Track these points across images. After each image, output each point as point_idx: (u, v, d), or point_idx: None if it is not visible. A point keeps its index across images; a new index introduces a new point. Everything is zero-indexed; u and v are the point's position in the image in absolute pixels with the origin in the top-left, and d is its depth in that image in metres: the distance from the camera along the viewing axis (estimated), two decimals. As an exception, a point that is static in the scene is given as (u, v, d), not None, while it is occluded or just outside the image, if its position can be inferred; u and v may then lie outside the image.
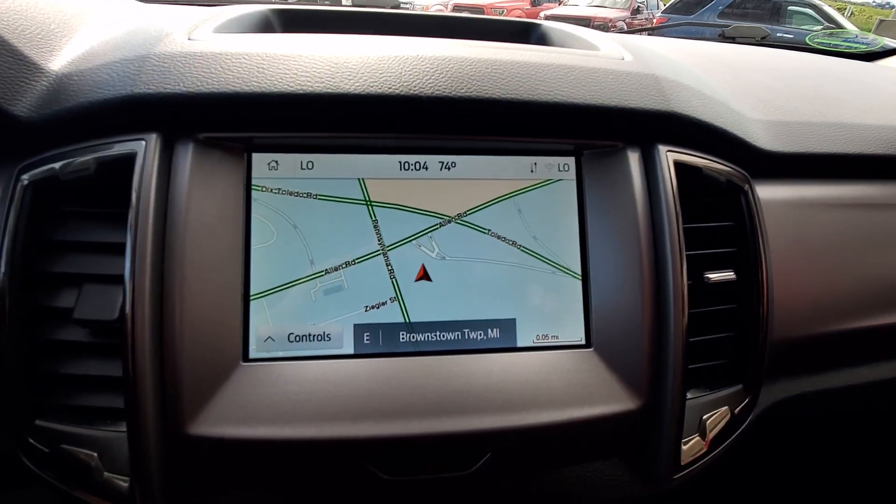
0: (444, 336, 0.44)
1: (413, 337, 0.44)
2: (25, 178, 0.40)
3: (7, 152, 0.43)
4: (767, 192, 0.53)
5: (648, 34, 1.14)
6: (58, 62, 0.43)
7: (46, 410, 0.41)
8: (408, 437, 0.39)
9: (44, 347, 0.41)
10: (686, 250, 0.44)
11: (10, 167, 0.42)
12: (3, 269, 0.39)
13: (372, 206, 0.45)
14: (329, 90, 0.40)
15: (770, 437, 0.62)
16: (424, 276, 0.45)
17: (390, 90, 0.40)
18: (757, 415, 0.51)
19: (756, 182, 0.52)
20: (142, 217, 0.38)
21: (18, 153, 0.42)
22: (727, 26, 1.11)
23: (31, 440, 0.40)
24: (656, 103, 0.44)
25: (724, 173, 0.48)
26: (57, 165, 0.40)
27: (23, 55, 0.41)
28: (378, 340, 0.43)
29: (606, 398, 0.42)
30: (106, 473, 0.38)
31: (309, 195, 0.44)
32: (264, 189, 0.43)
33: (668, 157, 0.45)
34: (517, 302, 0.45)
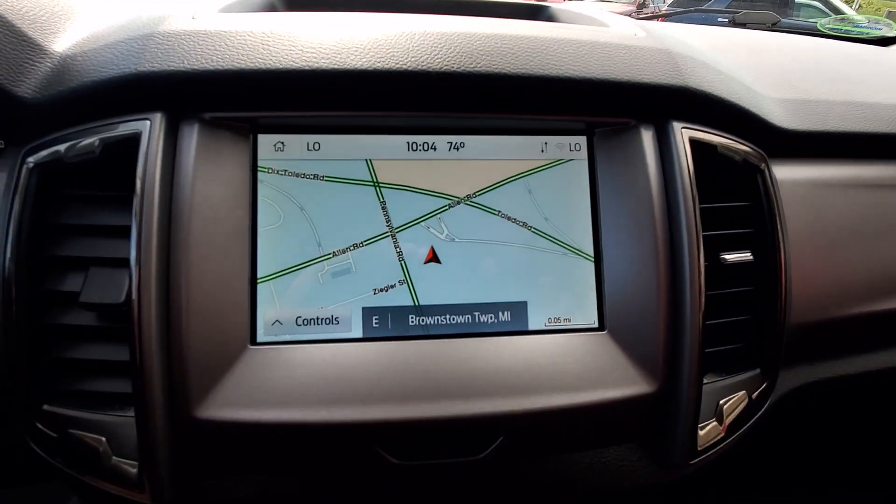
0: (453, 319, 0.43)
1: (422, 320, 0.43)
2: (31, 160, 0.40)
3: (12, 135, 0.43)
4: (784, 172, 0.51)
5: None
6: (62, 43, 0.42)
7: (54, 395, 0.40)
8: (419, 420, 0.38)
9: (50, 332, 0.40)
10: (702, 231, 0.43)
11: (15, 150, 0.42)
12: (9, 254, 0.39)
13: (380, 187, 0.44)
14: (336, 66, 0.39)
15: (787, 424, 0.61)
16: (433, 258, 0.44)
17: (398, 66, 0.39)
18: (775, 401, 0.50)
19: (773, 161, 0.50)
20: (147, 199, 0.37)
21: (24, 136, 0.42)
22: (737, 12, 1.09)
23: (39, 425, 0.39)
24: (671, 78, 0.43)
25: (741, 152, 0.47)
26: (62, 147, 0.40)
27: (27, 36, 0.41)
28: (387, 324, 0.43)
29: (621, 382, 0.41)
30: (114, 458, 0.38)
31: (316, 176, 0.43)
32: (270, 170, 0.43)
33: (684, 134, 0.44)
34: (528, 284, 0.44)
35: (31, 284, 0.40)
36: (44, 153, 0.40)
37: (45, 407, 0.40)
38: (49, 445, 0.40)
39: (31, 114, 0.40)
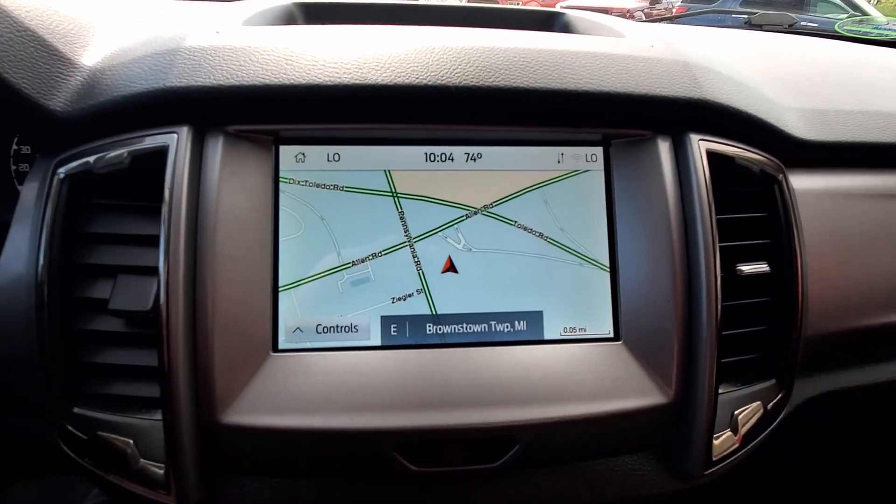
0: (470, 328, 0.44)
1: (440, 329, 0.44)
2: (62, 171, 0.41)
3: (44, 147, 0.44)
4: (801, 182, 0.51)
5: (669, 23, 1.11)
6: (91, 57, 0.43)
7: (84, 398, 0.42)
8: (437, 428, 0.39)
9: (81, 337, 0.41)
10: (718, 242, 0.43)
11: (46, 161, 0.43)
12: (41, 261, 0.40)
13: (398, 197, 0.45)
14: (356, 81, 0.39)
15: (802, 436, 0.60)
16: (451, 267, 0.44)
17: (417, 80, 0.40)
18: (790, 411, 0.50)
19: (789, 171, 0.50)
20: (175, 209, 0.38)
21: (54, 148, 0.43)
22: (753, 13, 1.08)
23: (70, 427, 0.41)
24: (688, 90, 0.43)
25: (758, 163, 0.47)
26: (91, 159, 0.41)
27: (57, 51, 0.42)
28: (405, 332, 0.43)
29: (636, 392, 0.42)
30: (142, 460, 0.39)
31: (336, 187, 0.44)
32: (292, 181, 0.44)
33: (700, 146, 0.44)
34: (544, 294, 0.45)
35: (62, 291, 0.41)
36: (74, 164, 0.41)
37: (76, 409, 0.41)
38: (78, 446, 0.41)
39: (62, 126, 0.42)
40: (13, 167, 0.56)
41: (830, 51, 0.78)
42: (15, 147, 0.55)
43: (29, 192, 0.44)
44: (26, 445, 0.58)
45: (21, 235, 0.42)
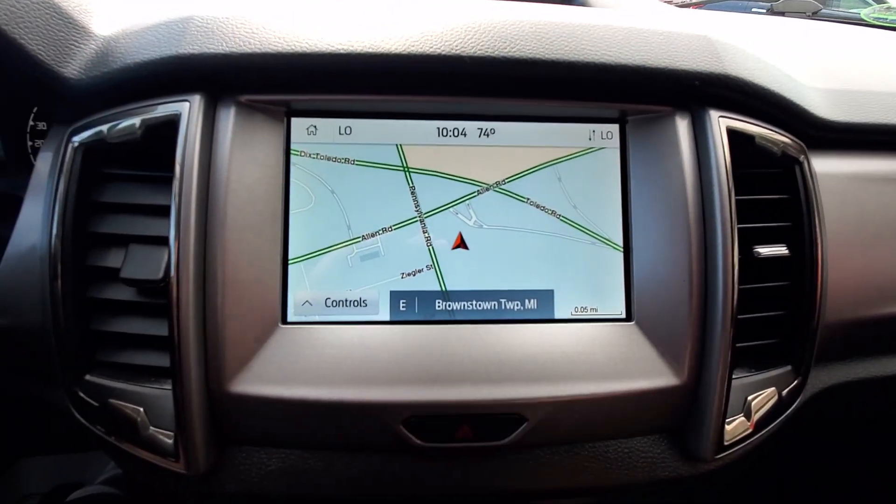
0: (480, 305, 0.43)
1: (449, 305, 0.43)
2: (76, 140, 0.41)
3: (57, 116, 0.44)
4: (823, 165, 0.50)
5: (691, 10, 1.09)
6: (105, 26, 0.43)
7: (96, 366, 0.42)
8: (443, 402, 0.39)
9: (93, 305, 0.42)
10: (737, 223, 0.42)
11: (60, 132, 0.44)
12: (55, 231, 0.40)
13: (409, 172, 0.44)
14: (370, 50, 0.39)
15: (816, 426, 0.59)
16: (461, 244, 0.44)
17: (432, 50, 0.39)
18: (804, 400, 0.49)
19: (811, 153, 0.49)
20: (186, 178, 0.38)
21: (69, 118, 0.43)
22: (776, 0, 1.05)
23: (81, 394, 0.41)
24: (709, 64, 0.42)
25: (780, 143, 0.46)
26: (105, 127, 0.41)
27: (72, 19, 0.42)
28: (414, 308, 0.43)
29: (648, 373, 0.41)
30: (151, 428, 0.40)
31: (346, 160, 0.44)
32: (303, 154, 0.43)
33: (721, 123, 0.43)
34: (555, 273, 0.44)
35: (75, 260, 0.41)
36: (87, 133, 0.41)
37: (87, 377, 0.41)
38: (90, 413, 0.41)
39: (76, 95, 0.42)
40: (29, 143, 0.56)
41: (856, 35, 0.76)
42: (31, 123, 0.56)
43: (43, 163, 0.44)
44: (39, 417, 0.59)
45: (35, 205, 0.43)
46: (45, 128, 0.55)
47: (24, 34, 0.39)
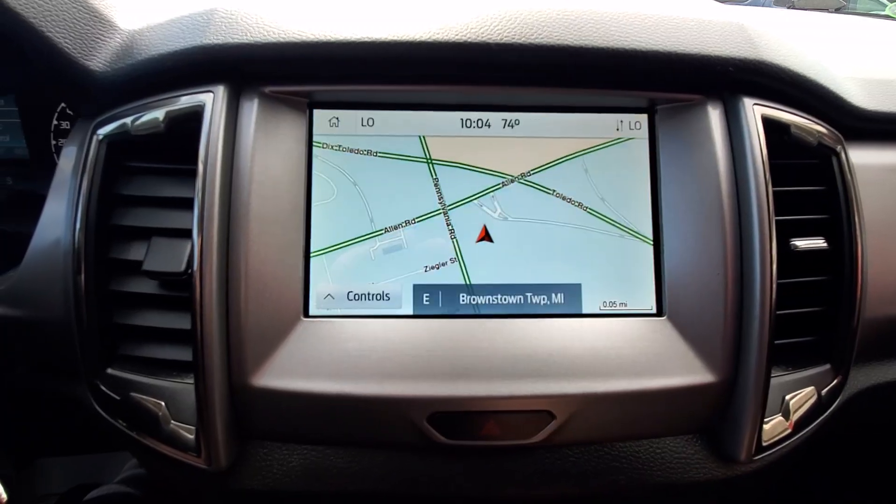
0: (505, 299, 0.42)
1: (473, 299, 0.42)
2: (100, 133, 0.41)
3: (82, 111, 0.45)
4: (861, 157, 0.48)
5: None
6: (130, 20, 0.43)
7: (117, 360, 0.42)
8: (469, 398, 0.38)
9: (115, 299, 0.42)
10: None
11: (85, 126, 0.44)
12: (78, 224, 0.40)
13: (433, 164, 0.43)
14: (395, 37, 0.38)
15: (855, 429, 0.57)
16: (486, 236, 0.43)
17: (457, 37, 0.38)
18: (844, 401, 0.47)
19: (848, 145, 0.47)
20: (209, 170, 0.38)
21: (93, 111, 0.43)
22: (797, -2, 1.03)
23: (103, 387, 0.41)
24: (743, 51, 0.41)
25: (816, 132, 0.44)
26: (128, 120, 0.41)
27: (98, 13, 0.42)
28: (437, 302, 0.42)
29: (682, 369, 0.40)
30: (172, 422, 0.39)
31: (369, 152, 0.43)
32: (325, 146, 0.43)
33: (756, 111, 0.41)
34: (583, 266, 0.43)
35: (98, 253, 0.41)
36: (111, 126, 0.41)
37: (109, 370, 0.41)
38: (111, 407, 0.41)
39: (101, 87, 0.42)
40: (53, 142, 0.57)
41: (885, 27, 0.73)
42: (55, 123, 0.56)
43: (67, 157, 0.44)
44: (59, 415, 0.59)
45: (59, 199, 0.43)
46: (68, 127, 0.56)
47: (51, 27, 0.40)
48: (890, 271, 0.47)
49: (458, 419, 0.38)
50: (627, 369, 0.39)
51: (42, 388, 0.45)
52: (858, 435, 0.60)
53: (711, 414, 0.41)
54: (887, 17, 1.10)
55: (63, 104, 0.55)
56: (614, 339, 0.40)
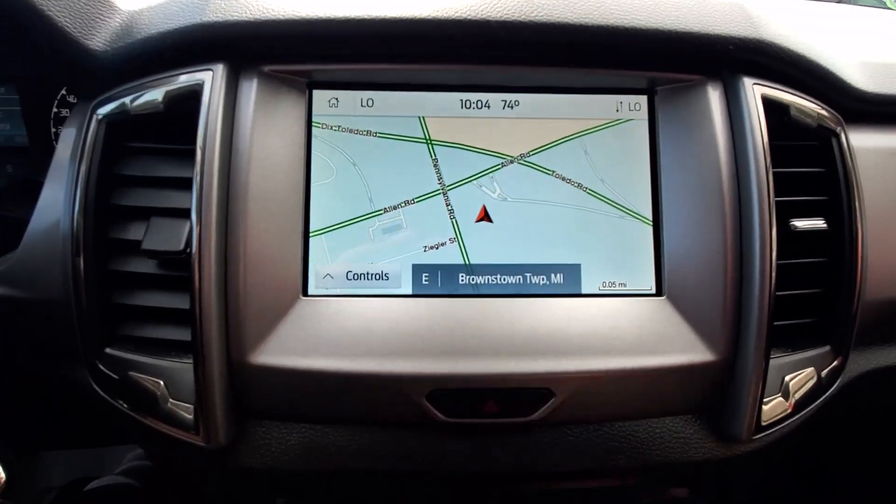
0: (504, 279, 0.42)
1: (473, 279, 0.42)
2: (99, 113, 0.41)
3: (82, 89, 0.45)
4: (861, 140, 0.48)
5: None
6: (129, 1, 0.43)
7: (116, 340, 0.42)
8: (469, 375, 0.38)
9: (114, 279, 0.42)
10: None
11: (84, 107, 0.44)
12: (77, 204, 0.40)
13: (432, 144, 0.43)
14: (393, 15, 0.38)
15: (857, 414, 0.56)
16: (485, 217, 0.43)
17: (457, 14, 0.38)
18: (843, 384, 0.47)
19: (849, 128, 0.47)
20: (208, 149, 0.38)
21: (92, 92, 0.43)
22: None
23: (102, 367, 0.41)
24: (743, 30, 0.41)
25: (816, 114, 0.44)
26: (128, 99, 0.41)
27: (98, -7, 0.42)
28: (437, 281, 0.42)
29: (681, 348, 0.40)
30: (171, 401, 0.39)
31: (368, 133, 0.43)
32: (324, 126, 0.43)
33: (756, 90, 0.41)
34: (582, 247, 0.43)
35: (98, 233, 0.41)
36: (111, 106, 0.42)
37: (108, 350, 0.41)
38: (110, 387, 0.41)
39: (101, 67, 0.42)
40: (53, 130, 0.57)
41: (889, 17, 0.73)
42: (55, 110, 0.56)
43: (66, 138, 0.44)
44: (60, 403, 0.59)
45: (58, 180, 0.43)
46: (68, 115, 0.56)
47: (51, 6, 0.40)
48: (890, 255, 0.47)
49: (457, 396, 0.38)
50: (627, 348, 0.39)
51: (42, 372, 0.45)
52: (859, 419, 0.60)
53: (711, 393, 0.41)
54: (888, 8, 1.10)
55: (63, 92, 0.55)
56: (614, 319, 0.40)
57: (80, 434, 0.74)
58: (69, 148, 0.43)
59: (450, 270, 0.42)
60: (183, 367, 0.40)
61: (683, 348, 0.39)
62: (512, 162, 0.43)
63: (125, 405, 0.41)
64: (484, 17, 0.38)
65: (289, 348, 0.38)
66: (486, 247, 0.43)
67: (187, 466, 0.43)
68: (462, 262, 0.42)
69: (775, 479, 0.69)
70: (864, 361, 0.49)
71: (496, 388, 0.38)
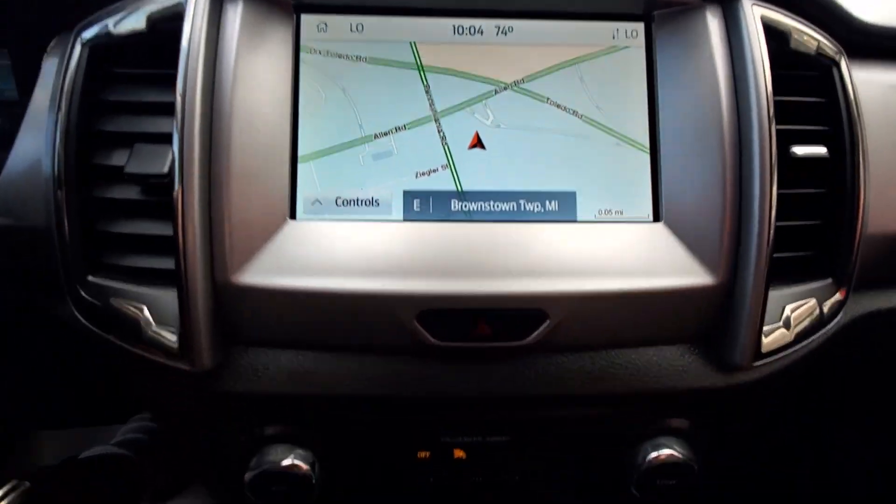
0: (498, 206, 0.41)
1: (465, 205, 0.41)
2: (83, 37, 0.40)
3: (65, 14, 0.43)
4: (863, 74, 0.47)
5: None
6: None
7: (99, 268, 0.41)
8: (460, 295, 0.36)
9: (97, 206, 0.41)
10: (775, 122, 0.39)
11: (67, 34, 0.43)
12: (60, 130, 0.39)
13: (423, 70, 0.42)
14: None
15: (858, 357, 0.55)
16: (478, 143, 0.42)
17: None
18: (846, 322, 0.45)
19: (851, 62, 0.46)
20: (191, 70, 0.37)
21: (75, 16, 0.42)
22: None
23: (84, 294, 0.40)
24: None
25: (816, 42, 0.43)
26: (110, 21, 0.40)
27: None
28: (428, 208, 0.41)
29: (679, 271, 0.38)
30: (154, 326, 0.38)
31: (358, 58, 0.42)
32: (313, 51, 0.42)
33: (755, 12, 0.40)
34: (578, 174, 0.42)
35: (80, 160, 0.40)
36: (94, 29, 0.40)
37: (90, 278, 0.40)
38: (92, 315, 0.40)
39: None
40: None
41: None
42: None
43: (49, 65, 0.43)
44: (43, 337, 0.57)
45: (41, 106, 0.42)
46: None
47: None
48: (891, 189, 0.46)
49: (448, 317, 0.37)
50: (623, 270, 0.38)
51: (24, 302, 0.44)
52: (859, 369, 0.59)
53: (710, 320, 0.40)
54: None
55: (52, 44, 0.54)
56: (610, 242, 0.39)
57: (73, 412, 0.73)
58: (53, 73, 0.42)
59: (442, 196, 0.41)
60: (167, 294, 0.38)
61: (681, 271, 0.38)
62: (505, 89, 0.42)
63: (109, 334, 0.40)
64: None
65: (275, 269, 0.37)
66: (479, 173, 0.41)
67: (173, 394, 0.42)
68: (454, 188, 0.41)
69: (776, 434, 0.68)
70: (868, 302, 0.48)
71: (488, 309, 0.37)
